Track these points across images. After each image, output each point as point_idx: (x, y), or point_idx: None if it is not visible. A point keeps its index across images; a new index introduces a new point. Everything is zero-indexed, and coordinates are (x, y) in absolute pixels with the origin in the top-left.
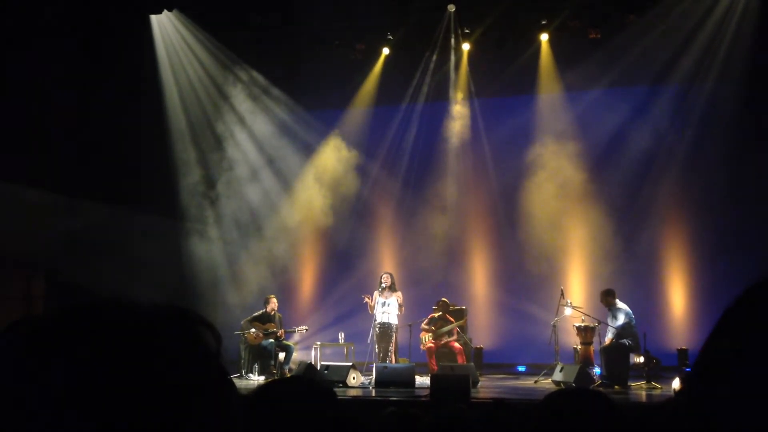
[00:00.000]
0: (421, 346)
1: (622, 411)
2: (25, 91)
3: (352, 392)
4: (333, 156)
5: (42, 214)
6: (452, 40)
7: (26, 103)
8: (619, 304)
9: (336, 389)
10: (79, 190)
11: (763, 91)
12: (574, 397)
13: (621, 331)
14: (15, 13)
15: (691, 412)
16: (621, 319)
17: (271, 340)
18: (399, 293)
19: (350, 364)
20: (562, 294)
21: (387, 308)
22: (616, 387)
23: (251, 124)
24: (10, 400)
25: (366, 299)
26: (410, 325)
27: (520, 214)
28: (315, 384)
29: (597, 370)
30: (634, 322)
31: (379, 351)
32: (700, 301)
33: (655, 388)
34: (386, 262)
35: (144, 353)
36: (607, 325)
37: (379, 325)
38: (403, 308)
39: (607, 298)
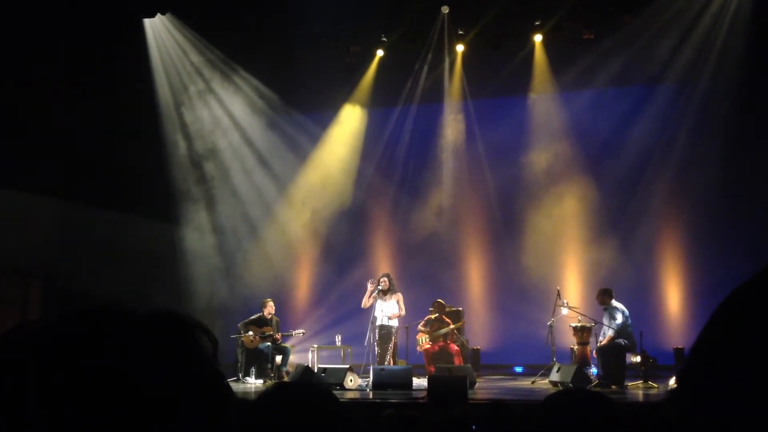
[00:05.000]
0: (418, 348)
1: (623, 413)
2: (19, 95)
3: (350, 395)
4: (328, 158)
5: (38, 219)
6: (446, 42)
7: (21, 108)
8: (616, 303)
9: (333, 392)
10: (75, 195)
11: (757, 89)
12: (576, 398)
13: (618, 330)
14: (11, 16)
15: (683, 411)
16: (619, 319)
17: (268, 344)
18: (399, 295)
19: (347, 366)
20: (559, 294)
21: (387, 311)
22: (613, 387)
23: (246, 126)
24: (6, 406)
25: (370, 284)
26: (407, 327)
27: (515, 215)
28: (318, 387)
29: (594, 370)
30: (629, 321)
31: (379, 353)
32: (696, 300)
33: (652, 387)
34: (382, 264)
35: (140, 359)
36: (603, 324)
37: (379, 328)
38: (403, 311)
39: (603, 298)
